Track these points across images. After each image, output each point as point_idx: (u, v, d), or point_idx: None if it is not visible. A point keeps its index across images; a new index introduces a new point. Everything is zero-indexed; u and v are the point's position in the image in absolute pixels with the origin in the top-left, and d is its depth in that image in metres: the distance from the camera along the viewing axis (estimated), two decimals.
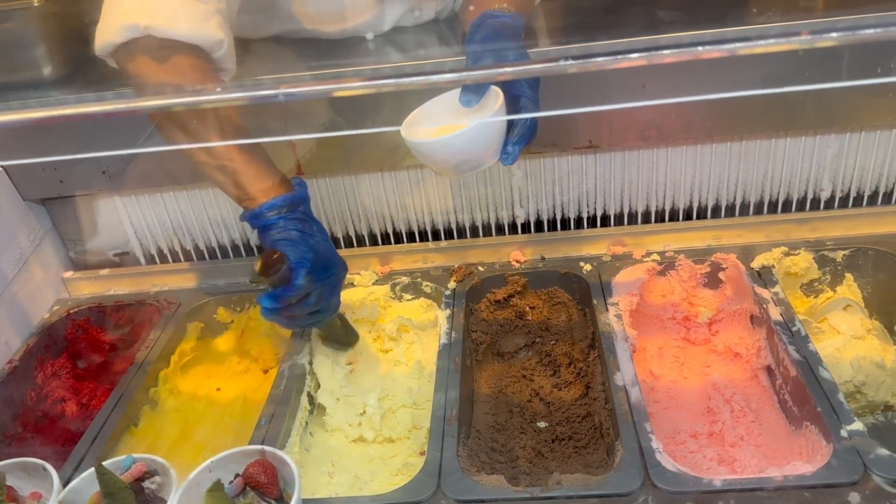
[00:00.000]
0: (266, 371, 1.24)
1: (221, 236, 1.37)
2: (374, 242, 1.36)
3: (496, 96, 0.89)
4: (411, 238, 1.35)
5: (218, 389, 1.22)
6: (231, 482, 0.84)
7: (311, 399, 1.13)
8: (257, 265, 0.93)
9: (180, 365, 1.23)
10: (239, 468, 0.86)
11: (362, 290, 1.29)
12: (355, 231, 1.36)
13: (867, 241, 1.21)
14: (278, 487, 0.84)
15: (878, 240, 1.21)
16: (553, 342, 1.24)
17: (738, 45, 0.60)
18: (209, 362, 1.26)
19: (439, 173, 1.05)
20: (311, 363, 1.15)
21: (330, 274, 1.03)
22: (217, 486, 0.81)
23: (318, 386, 1.14)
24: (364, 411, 1.11)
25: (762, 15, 1.05)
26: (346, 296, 1.28)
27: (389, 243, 1.36)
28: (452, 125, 0.89)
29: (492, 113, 0.88)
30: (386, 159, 1.26)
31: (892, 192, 1.26)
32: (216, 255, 1.39)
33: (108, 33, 0.96)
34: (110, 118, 1.08)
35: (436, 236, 1.35)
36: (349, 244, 1.37)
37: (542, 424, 1.13)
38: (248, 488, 0.84)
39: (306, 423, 1.10)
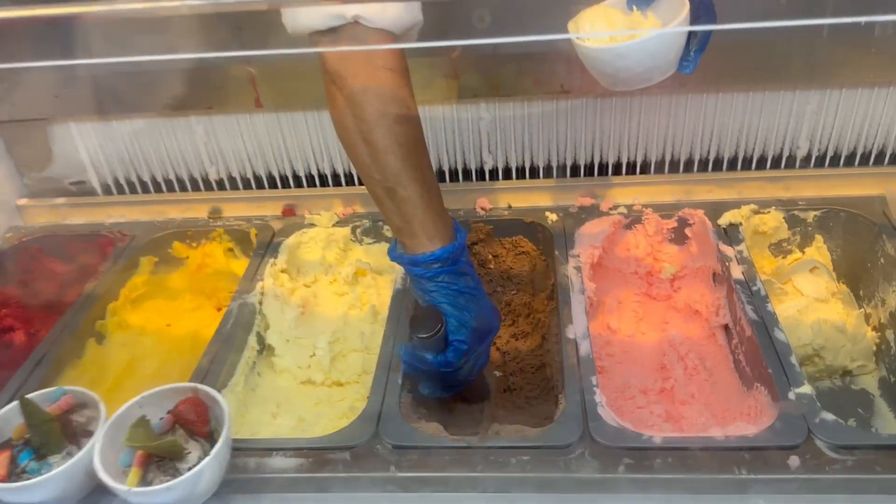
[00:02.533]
0: (220, 309, 1.22)
1: (180, 169, 1.33)
2: (336, 183, 1.32)
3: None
4: None
5: (168, 325, 1.19)
6: (161, 419, 0.82)
7: (262, 339, 1.11)
8: (412, 322, 0.84)
9: (130, 299, 1.20)
10: (170, 405, 0.84)
11: (323, 231, 1.26)
12: (318, 170, 1.31)
13: (840, 202, 1.18)
14: (209, 426, 0.83)
15: (852, 202, 1.18)
16: (514, 292, 1.22)
17: None
18: (161, 298, 1.23)
19: (610, 86, 0.89)
20: (261, 303, 1.12)
21: (487, 342, 0.90)
22: (141, 422, 0.79)
23: (268, 326, 1.11)
24: (314, 353, 1.09)
25: None
26: (304, 237, 1.25)
27: (353, 184, 1.32)
28: (630, 33, 0.83)
29: (681, 18, 0.82)
30: None
31: (870, 153, 1.22)
32: (174, 188, 1.35)
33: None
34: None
35: None
36: (311, 183, 1.33)
37: (497, 373, 1.11)
38: (176, 425, 0.82)
39: (254, 363, 1.08)
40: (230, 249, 1.28)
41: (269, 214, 1.31)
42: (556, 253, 1.14)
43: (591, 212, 1.22)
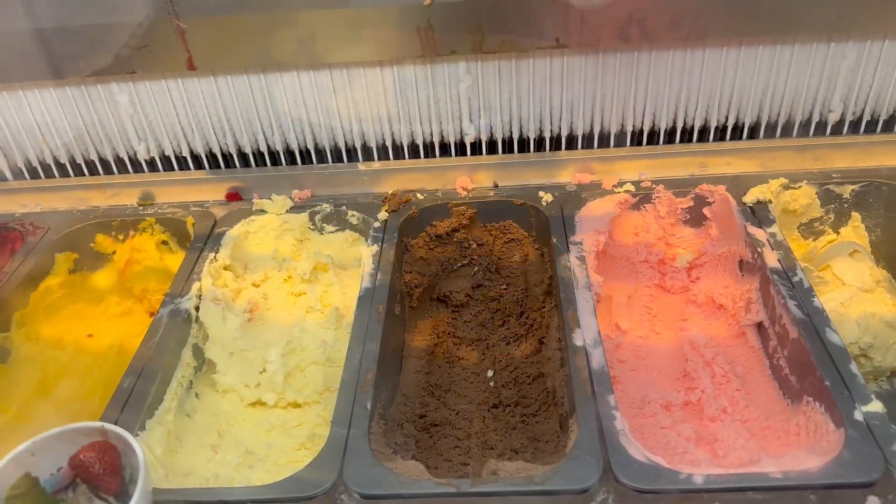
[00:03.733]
0: (153, 314, 1.02)
1: (102, 148, 1.11)
2: (291, 161, 1.12)
3: None
4: (337, 157, 1.11)
5: (90, 336, 0.99)
6: (58, 470, 0.63)
7: (199, 353, 0.91)
8: None
9: (43, 305, 1.00)
10: (72, 451, 0.64)
11: (275, 219, 1.06)
12: (268, 146, 1.11)
13: (881, 174, 1.02)
14: (120, 478, 0.63)
15: (893, 173, 1.01)
16: (504, 286, 1.03)
17: None
18: (81, 302, 1.03)
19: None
20: (198, 308, 0.92)
21: None
22: (26, 482, 0.59)
23: (207, 337, 0.92)
24: (264, 369, 0.90)
25: None
26: (252, 226, 1.05)
27: (310, 162, 1.12)
28: None
29: None
30: (304, 52, 1.00)
31: None
32: (97, 171, 1.13)
33: None
34: None
35: (367, 155, 1.11)
36: (261, 161, 1.12)
37: (489, 373, 0.94)
38: (78, 480, 0.63)
39: (190, 382, 0.89)
40: (164, 242, 1.08)
41: (211, 199, 1.11)
42: (554, 240, 0.95)
43: (593, 190, 1.04)
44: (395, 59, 1.01)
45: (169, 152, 1.11)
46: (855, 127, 1.06)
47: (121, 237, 1.08)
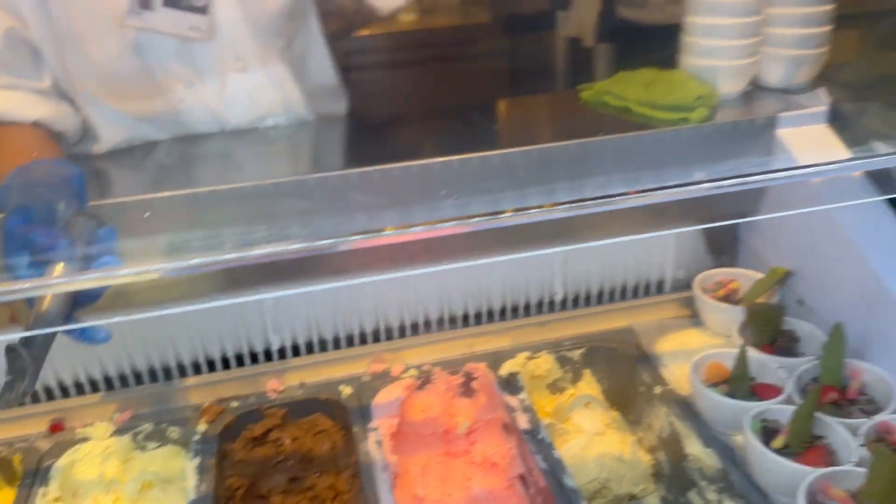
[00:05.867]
0: None
1: None
2: (109, 387, 1.23)
3: None
4: (153, 377, 1.24)
5: None
6: None
7: None
8: None
9: None
10: None
11: (98, 444, 1.15)
12: (87, 375, 1.22)
13: (598, 338, 1.33)
14: None
15: (609, 335, 1.33)
16: (317, 474, 1.19)
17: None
18: None
19: None
20: None
21: None
22: None
23: None
24: None
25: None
26: (77, 454, 1.14)
27: (127, 385, 1.24)
28: None
29: None
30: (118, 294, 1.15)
31: (613, 292, 1.39)
32: None
33: None
34: None
35: (182, 371, 1.25)
36: (80, 391, 1.22)
37: None
38: None
39: None
40: None
41: (35, 433, 1.18)
42: (355, 429, 1.14)
43: (384, 378, 1.25)
44: (202, 292, 1.19)
45: None
46: (575, 303, 1.39)
47: None
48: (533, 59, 2.61)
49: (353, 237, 0.63)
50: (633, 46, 2.03)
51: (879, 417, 1.00)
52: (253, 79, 1.29)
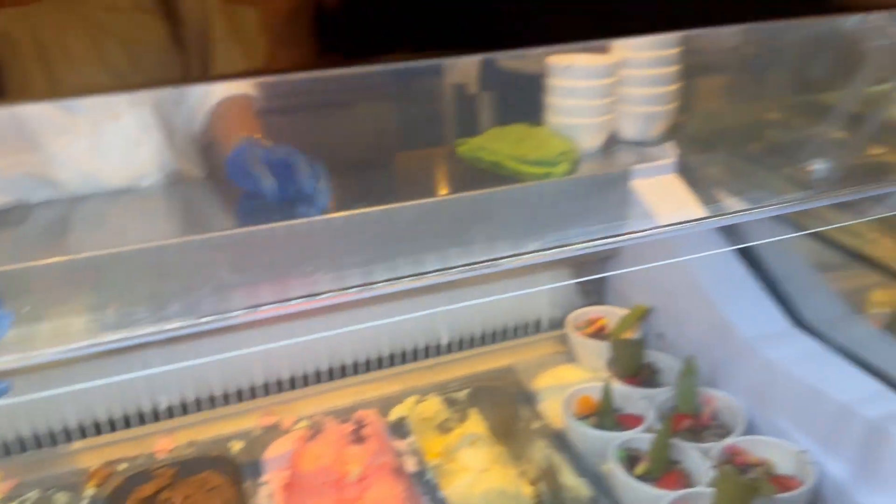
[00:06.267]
0: None
1: None
2: None
3: None
4: (38, 443, 1.22)
5: None
6: None
7: None
8: None
9: None
10: None
11: None
12: None
13: (483, 377, 1.40)
14: None
15: (493, 374, 1.41)
16: None
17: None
18: None
19: None
20: None
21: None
22: None
23: None
24: None
25: None
26: None
27: (10, 454, 1.21)
28: None
29: None
30: None
31: (494, 333, 1.48)
32: None
33: None
34: None
35: (67, 436, 1.24)
36: None
37: None
38: None
39: None
40: None
41: None
42: (246, 484, 1.16)
43: (275, 431, 1.28)
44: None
45: None
46: (460, 345, 1.46)
47: None
48: (420, 106, 2.71)
49: (227, 314, 0.67)
50: (513, 94, 2.15)
51: (727, 441, 1.12)
52: (126, 131, 1.31)
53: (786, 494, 1.00)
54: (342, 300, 0.74)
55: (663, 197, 1.32)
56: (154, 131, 1.35)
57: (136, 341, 0.67)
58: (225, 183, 1.26)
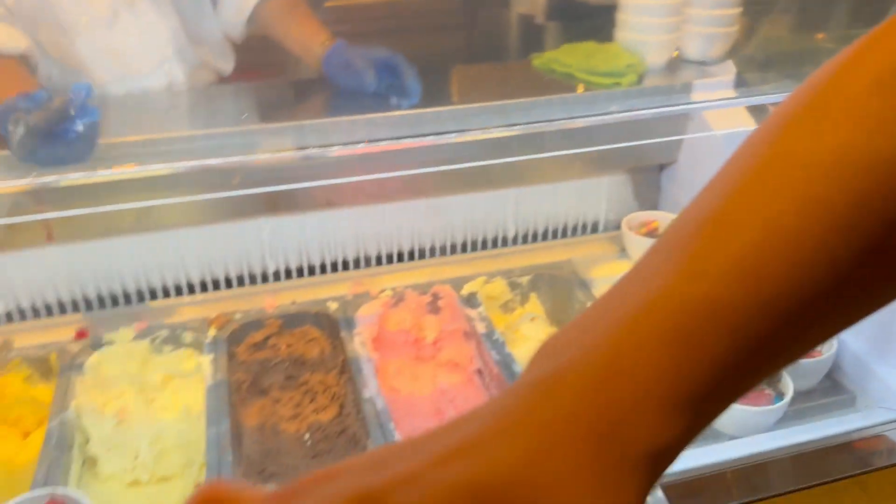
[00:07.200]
0: (27, 435, 1.25)
1: None
2: (128, 302, 1.44)
3: None
4: (166, 294, 1.45)
5: None
6: None
7: (84, 452, 1.19)
8: None
9: None
10: None
11: (121, 346, 1.36)
12: (108, 291, 1.42)
13: (543, 267, 1.58)
14: None
15: (551, 266, 1.59)
16: (309, 373, 1.42)
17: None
18: None
19: None
20: (78, 418, 1.20)
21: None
22: None
23: (87, 440, 1.19)
24: (137, 455, 1.19)
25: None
26: (104, 355, 1.34)
27: (143, 301, 1.44)
28: None
29: None
30: (138, 222, 1.36)
31: (556, 230, 1.65)
32: None
33: None
34: None
35: (191, 290, 1.47)
36: (102, 305, 1.42)
37: (306, 437, 1.30)
38: None
39: (79, 477, 1.16)
40: (28, 377, 1.32)
41: (64, 339, 1.38)
42: (342, 333, 1.38)
43: (364, 297, 1.49)
44: (209, 220, 1.40)
45: (25, 306, 1.38)
46: (524, 239, 1.64)
47: None
48: (488, 34, 2.83)
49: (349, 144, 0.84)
50: (578, 23, 2.28)
51: None
52: (141, 16, 1.46)
53: (806, 360, 1.17)
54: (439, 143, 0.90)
55: (720, 112, 1.46)
56: (171, 17, 1.50)
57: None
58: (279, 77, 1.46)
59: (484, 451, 0.23)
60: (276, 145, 1.11)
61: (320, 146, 0.85)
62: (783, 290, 0.24)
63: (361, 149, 0.84)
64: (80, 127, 1.02)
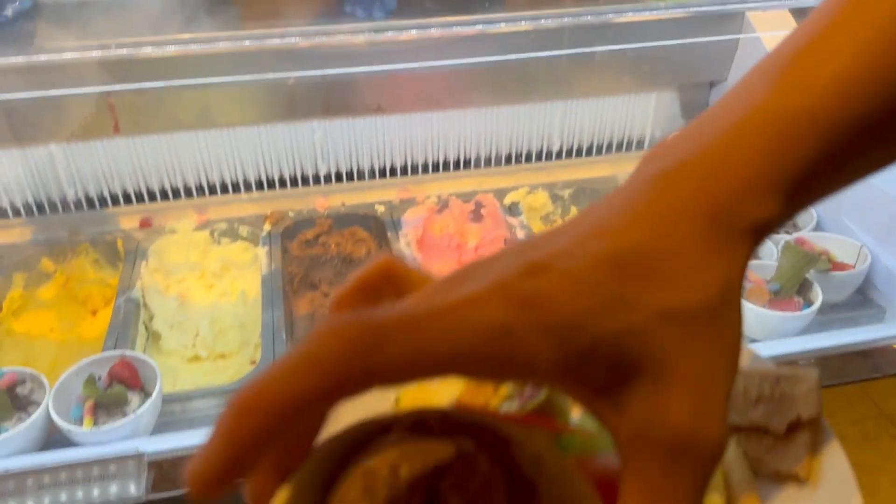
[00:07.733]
0: (95, 313, 1.36)
1: (39, 194, 1.45)
2: (189, 196, 1.52)
3: None
4: (224, 189, 1.53)
5: (51, 330, 1.32)
6: (99, 378, 1.00)
7: (148, 328, 1.29)
8: None
9: (12, 310, 1.31)
10: (103, 371, 1.02)
11: (183, 236, 1.45)
12: (171, 185, 1.50)
13: (586, 182, 1.62)
14: (141, 381, 1.02)
15: (594, 181, 1.62)
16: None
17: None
18: (37, 309, 1.35)
19: None
20: (143, 296, 1.30)
21: None
22: (91, 379, 0.97)
23: (152, 316, 1.29)
24: (197, 333, 1.29)
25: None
26: (167, 243, 1.43)
27: (204, 195, 1.52)
28: None
29: None
30: (200, 119, 1.43)
31: (602, 145, 1.67)
32: (33, 213, 1.46)
33: None
34: None
35: (248, 187, 1.54)
36: (165, 197, 1.51)
37: None
38: (114, 383, 1.00)
39: (144, 348, 1.26)
40: (96, 260, 1.42)
41: (129, 227, 1.47)
42: (389, 234, 1.44)
43: (410, 202, 1.55)
44: (265, 119, 1.46)
45: (92, 194, 1.47)
46: (569, 153, 1.67)
47: (61, 260, 1.41)
48: None
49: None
50: None
51: (796, 234, 1.31)
52: None
53: (839, 273, 1.20)
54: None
55: (772, 23, 1.45)
56: None
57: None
58: None
59: (620, 231, 0.28)
60: (331, 31, 1.15)
61: (371, 30, 0.88)
62: (874, 105, 0.29)
63: (412, 34, 0.88)
64: (8, 12, 1.09)
